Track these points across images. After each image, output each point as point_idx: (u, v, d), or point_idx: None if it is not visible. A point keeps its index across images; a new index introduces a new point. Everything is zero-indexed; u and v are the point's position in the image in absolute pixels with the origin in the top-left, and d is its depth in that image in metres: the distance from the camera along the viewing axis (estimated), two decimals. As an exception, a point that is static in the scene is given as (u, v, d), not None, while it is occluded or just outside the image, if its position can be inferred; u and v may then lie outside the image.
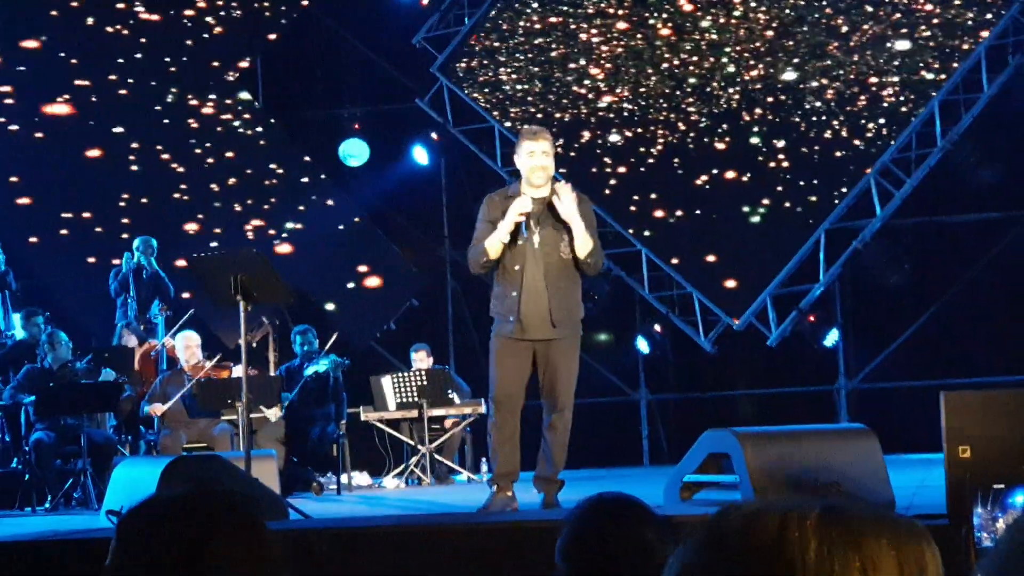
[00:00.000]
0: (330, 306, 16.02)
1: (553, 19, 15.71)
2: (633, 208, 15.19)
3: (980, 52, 14.35)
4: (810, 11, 15.03)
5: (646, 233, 15.00)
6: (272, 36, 16.28)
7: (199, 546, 1.84)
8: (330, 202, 16.20)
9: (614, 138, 15.39)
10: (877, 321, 15.21)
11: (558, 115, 15.49)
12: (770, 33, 15.12)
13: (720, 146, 15.09)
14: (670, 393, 15.93)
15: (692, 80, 15.27)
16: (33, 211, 15.66)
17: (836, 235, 14.48)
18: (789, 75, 14.99)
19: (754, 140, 15.00)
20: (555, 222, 7.38)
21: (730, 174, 15.03)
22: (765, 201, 14.92)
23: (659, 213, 15.17)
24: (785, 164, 14.88)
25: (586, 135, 15.44)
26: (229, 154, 16.19)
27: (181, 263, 13.81)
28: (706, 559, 1.16)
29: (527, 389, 7.61)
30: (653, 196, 15.20)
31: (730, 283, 14.76)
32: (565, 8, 15.68)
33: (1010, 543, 1.48)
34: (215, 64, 16.17)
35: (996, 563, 1.18)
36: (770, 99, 15.00)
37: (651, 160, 15.28)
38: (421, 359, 13.53)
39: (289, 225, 16.04)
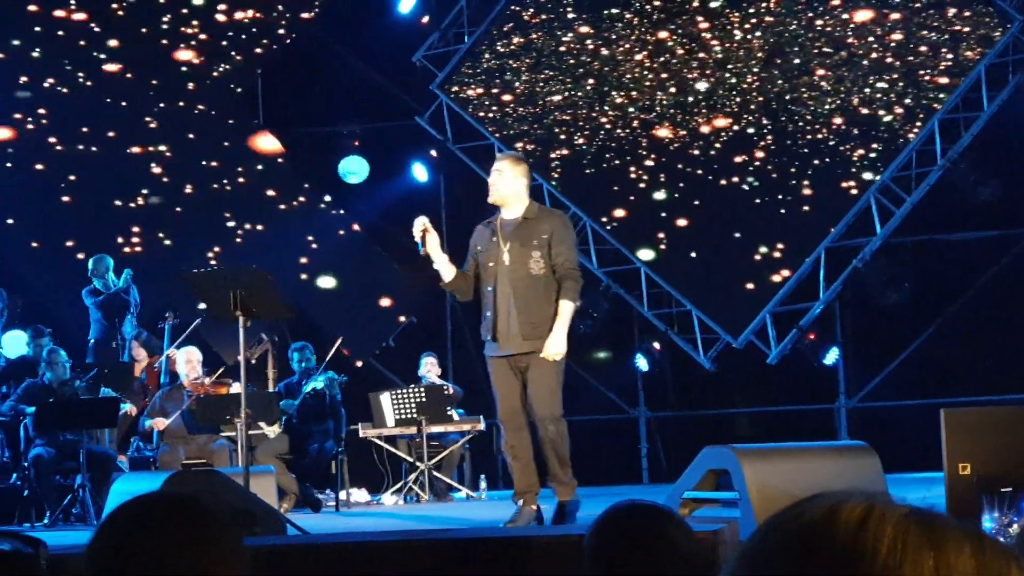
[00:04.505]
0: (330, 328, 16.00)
1: (553, 43, 15.73)
2: (632, 226, 15.19)
3: (980, 70, 14.37)
4: (810, 29, 15.06)
5: (645, 251, 15.00)
6: (272, 54, 16.27)
7: (155, 550, 1.86)
8: (329, 219, 16.18)
9: (613, 157, 15.39)
10: (877, 339, 15.19)
11: (556, 132, 15.50)
12: (769, 51, 15.14)
13: (719, 165, 15.09)
14: (669, 411, 15.90)
15: (690, 98, 15.28)
16: (30, 228, 15.61)
17: (836, 253, 14.49)
18: (790, 93, 15.00)
19: (755, 158, 15.01)
20: (524, 239, 7.51)
21: (730, 193, 15.04)
22: (765, 218, 14.91)
23: (658, 231, 15.17)
24: (785, 182, 14.88)
25: (584, 153, 15.44)
26: (225, 171, 16.16)
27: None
28: (783, 543, 1.13)
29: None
30: (652, 214, 15.20)
31: (729, 300, 14.75)
32: (566, 26, 15.70)
33: None
34: (212, 82, 16.16)
35: None
36: (770, 117, 15.01)
37: (650, 178, 15.29)
38: (432, 364, 13.57)
39: (294, 242, 16.02)
